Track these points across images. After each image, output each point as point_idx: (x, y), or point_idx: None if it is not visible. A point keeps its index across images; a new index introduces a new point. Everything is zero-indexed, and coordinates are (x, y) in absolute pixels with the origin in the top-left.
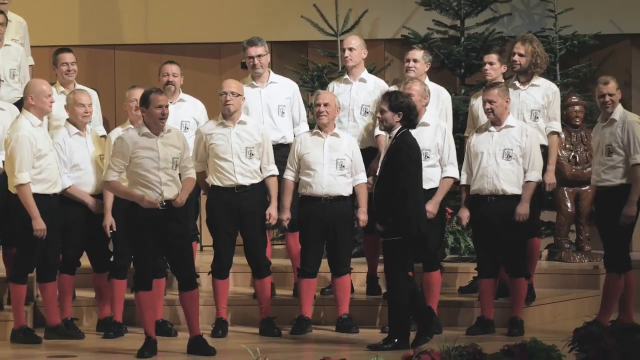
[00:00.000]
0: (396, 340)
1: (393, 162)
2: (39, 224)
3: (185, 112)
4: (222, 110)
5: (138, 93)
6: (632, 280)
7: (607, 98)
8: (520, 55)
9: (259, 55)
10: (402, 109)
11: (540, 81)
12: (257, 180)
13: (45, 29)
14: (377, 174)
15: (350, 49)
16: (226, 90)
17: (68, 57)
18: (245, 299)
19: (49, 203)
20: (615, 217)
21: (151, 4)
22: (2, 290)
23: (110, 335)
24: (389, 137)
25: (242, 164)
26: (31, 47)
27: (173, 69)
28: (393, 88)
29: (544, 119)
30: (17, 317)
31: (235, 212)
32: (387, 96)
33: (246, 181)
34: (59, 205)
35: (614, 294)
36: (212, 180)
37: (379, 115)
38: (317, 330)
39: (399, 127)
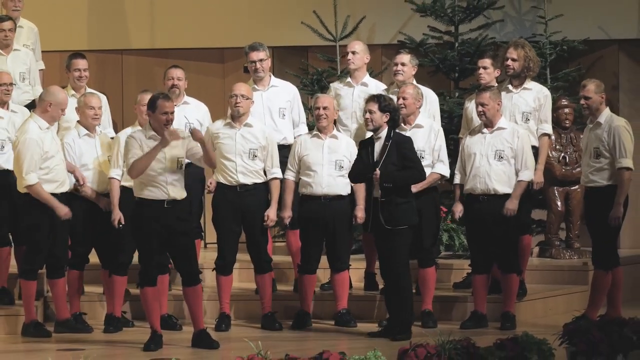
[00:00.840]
0: (405, 330)
1: (401, 157)
2: (62, 210)
3: (189, 113)
4: (231, 112)
5: (149, 98)
6: (619, 276)
7: (582, 101)
8: (513, 60)
9: (261, 60)
10: (389, 110)
11: (532, 85)
12: (260, 180)
13: (55, 35)
14: (379, 170)
15: (354, 52)
16: (237, 93)
17: (81, 64)
18: (248, 294)
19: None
20: (603, 216)
21: (157, 11)
22: (13, 285)
23: (111, 330)
24: (377, 137)
25: (244, 164)
26: (42, 52)
27: (178, 73)
28: (381, 92)
29: (535, 121)
30: (27, 311)
31: (239, 210)
32: (376, 98)
33: (248, 180)
34: (68, 202)
35: (601, 289)
36: (218, 177)
37: (367, 115)
38: (317, 325)
39: (386, 128)
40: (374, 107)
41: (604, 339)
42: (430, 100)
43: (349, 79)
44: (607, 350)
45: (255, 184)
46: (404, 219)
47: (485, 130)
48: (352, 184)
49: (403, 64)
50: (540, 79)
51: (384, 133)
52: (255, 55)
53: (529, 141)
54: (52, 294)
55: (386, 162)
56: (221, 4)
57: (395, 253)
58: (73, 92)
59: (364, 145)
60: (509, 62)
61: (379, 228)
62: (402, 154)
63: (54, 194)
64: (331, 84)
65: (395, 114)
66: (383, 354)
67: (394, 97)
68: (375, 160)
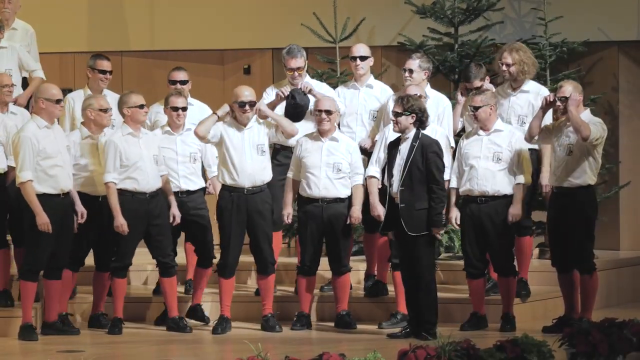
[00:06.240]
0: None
1: (426, 160)
2: (42, 218)
3: (193, 115)
4: (237, 119)
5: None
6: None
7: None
8: (508, 65)
9: (299, 68)
10: (415, 111)
11: (530, 86)
12: (267, 180)
13: (55, 36)
14: (401, 172)
15: (362, 58)
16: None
17: (105, 65)
18: (247, 295)
19: (58, 203)
20: (582, 218)
21: (157, 12)
22: (15, 287)
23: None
24: (405, 138)
25: (254, 161)
26: (41, 53)
27: (181, 75)
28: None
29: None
30: (24, 313)
31: (244, 211)
32: (400, 100)
33: (257, 182)
34: (69, 204)
35: (592, 292)
36: (224, 179)
37: (393, 118)
38: (317, 326)
39: (413, 129)
40: (399, 109)
41: (603, 340)
42: (444, 106)
43: (353, 82)
44: (607, 351)
45: (263, 184)
46: (440, 222)
47: (481, 132)
48: (351, 186)
49: (411, 71)
50: (540, 80)
51: (411, 134)
52: (294, 63)
53: (525, 144)
54: (46, 294)
55: (412, 164)
56: (221, 5)
57: (426, 260)
58: (89, 92)
59: (393, 146)
60: (503, 67)
61: (400, 233)
62: (427, 157)
63: (49, 194)
64: (337, 89)
65: (422, 115)
66: (383, 356)
67: None
68: (402, 162)
